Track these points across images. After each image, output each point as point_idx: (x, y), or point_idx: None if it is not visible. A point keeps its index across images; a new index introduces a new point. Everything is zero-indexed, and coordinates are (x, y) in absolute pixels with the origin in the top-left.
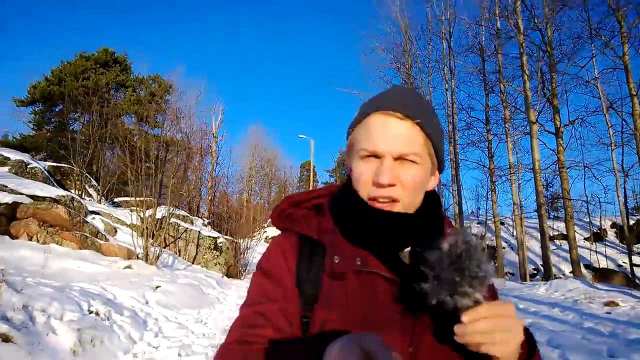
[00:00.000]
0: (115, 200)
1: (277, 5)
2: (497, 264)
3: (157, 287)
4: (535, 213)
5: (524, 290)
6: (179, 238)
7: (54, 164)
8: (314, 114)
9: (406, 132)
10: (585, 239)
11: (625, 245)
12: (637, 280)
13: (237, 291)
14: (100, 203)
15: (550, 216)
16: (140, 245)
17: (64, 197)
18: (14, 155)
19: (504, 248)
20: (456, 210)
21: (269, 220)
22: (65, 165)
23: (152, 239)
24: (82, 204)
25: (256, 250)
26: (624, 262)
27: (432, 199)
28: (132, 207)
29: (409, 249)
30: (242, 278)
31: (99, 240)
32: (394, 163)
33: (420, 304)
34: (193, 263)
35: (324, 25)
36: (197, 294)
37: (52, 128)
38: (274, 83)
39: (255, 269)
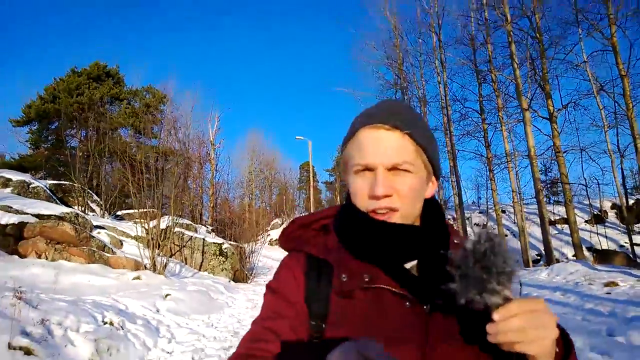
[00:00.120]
0: (118, 213)
1: (273, 6)
2: None
3: (167, 295)
4: (535, 199)
5: (526, 276)
6: (184, 246)
7: (55, 182)
8: (311, 114)
9: (396, 143)
10: (586, 221)
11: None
12: (638, 260)
13: (245, 295)
14: (103, 217)
15: (551, 200)
16: (147, 256)
17: (68, 214)
18: (15, 176)
19: (506, 236)
20: (456, 201)
21: (272, 223)
22: (66, 183)
23: (158, 249)
24: (86, 219)
25: (261, 253)
26: (625, 243)
27: (432, 207)
28: (136, 219)
29: (415, 261)
30: (249, 282)
31: (106, 254)
32: (387, 174)
33: (446, 306)
34: (200, 270)
35: (320, 26)
36: (206, 300)
37: (50, 146)
38: (269, 84)
39: (265, 288)
